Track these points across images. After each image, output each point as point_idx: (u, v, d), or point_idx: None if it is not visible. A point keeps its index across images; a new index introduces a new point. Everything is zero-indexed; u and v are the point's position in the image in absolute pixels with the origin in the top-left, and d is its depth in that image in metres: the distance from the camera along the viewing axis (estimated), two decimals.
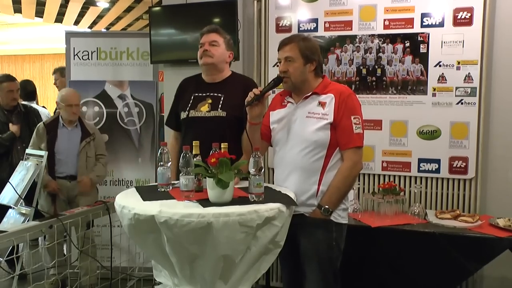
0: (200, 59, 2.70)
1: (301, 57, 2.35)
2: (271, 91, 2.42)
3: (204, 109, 2.68)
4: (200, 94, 2.73)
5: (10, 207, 3.45)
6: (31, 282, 2.61)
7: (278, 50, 2.42)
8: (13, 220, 3.40)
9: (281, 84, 2.41)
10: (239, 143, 2.58)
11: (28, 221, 3.22)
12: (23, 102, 4.83)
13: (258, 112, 2.37)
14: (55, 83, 5.39)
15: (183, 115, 2.73)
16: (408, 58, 3.34)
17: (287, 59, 2.36)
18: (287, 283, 2.62)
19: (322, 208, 2.31)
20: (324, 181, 2.33)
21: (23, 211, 3.37)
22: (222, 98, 2.67)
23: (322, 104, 2.34)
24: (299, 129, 2.37)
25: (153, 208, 1.91)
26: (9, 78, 4.37)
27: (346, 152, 2.33)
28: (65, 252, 4.15)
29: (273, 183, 2.55)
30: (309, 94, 2.38)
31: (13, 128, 4.11)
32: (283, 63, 2.38)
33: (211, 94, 2.70)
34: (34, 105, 5.02)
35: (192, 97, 2.74)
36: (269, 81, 2.44)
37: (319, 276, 2.36)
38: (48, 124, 3.84)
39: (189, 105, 2.72)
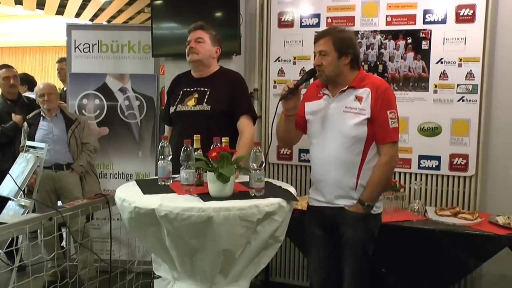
0: (187, 56, 2.77)
1: (335, 50, 2.36)
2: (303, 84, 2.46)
3: (190, 104, 2.73)
4: (188, 89, 2.79)
5: (10, 199, 3.45)
6: (30, 274, 2.61)
7: (314, 43, 2.44)
8: (12, 212, 3.41)
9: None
10: (225, 136, 2.59)
11: (27, 213, 3.22)
12: (26, 94, 4.84)
13: (293, 105, 2.45)
14: (59, 73, 5.26)
15: (172, 109, 2.81)
16: (410, 55, 3.33)
17: (321, 53, 2.38)
18: (316, 272, 2.63)
19: (365, 204, 2.37)
20: (362, 174, 2.39)
21: (23, 203, 3.37)
22: (208, 93, 2.72)
23: (358, 99, 2.37)
24: (337, 124, 2.39)
25: (154, 201, 1.91)
26: (6, 65, 4.43)
27: (383, 146, 2.38)
28: (63, 244, 4.17)
29: (310, 176, 2.60)
30: (345, 88, 2.40)
31: (16, 118, 4.11)
32: (317, 56, 2.41)
33: (198, 89, 2.76)
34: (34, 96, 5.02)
35: (181, 92, 2.81)
36: (303, 74, 2.49)
37: (356, 265, 2.44)
38: (30, 119, 3.95)
39: (178, 100, 2.79)
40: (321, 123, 2.46)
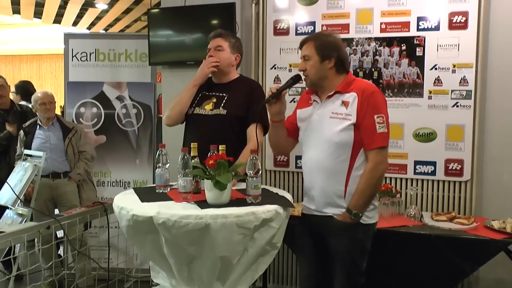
0: None
1: (317, 54, 2.33)
2: (288, 89, 2.44)
3: (208, 108, 2.75)
4: (207, 93, 2.80)
5: (8, 208, 3.46)
6: (28, 283, 2.61)
7: (299, 49, 2.43)
8: (10, 220, 3.41)
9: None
10: (240, 141, 2.65)
11: (25, 221, 3.23)
12: (21, 103, 4.84)
13: (277, 110, 2.40)
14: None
15: (189, 111, 2.80)
16: (405, 61, 3.36)
17: (305, 58, 2.37)
18: (305, 279, 2.59)
19: (352, 213, 2.30)
20: (350, 182, 2.31)
21: (21, 212, 3.38)
22: (225, 98, 2.73)
23: (345, 104, 2.31)
24: (323, 130, 2.34)
25: (152, 209, 1.92)
26: None
27: (370, 153, 2.29)
28: (60, 253, 4.16)
29: (298, 181, 2.57)
30: (331, 93, 2.36)
31: (9, 127, 4.12)
32: (301, 62, 2.40)
33: (217, 93, 2.78)
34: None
35: (200, 95, 2.81)
36: (287, 79, 2.44)
37: (345, 277, 2.38)
38: (26, 127, 3.95)
39: (196, 102, 2.80)
40: (309, 129, 2.43)
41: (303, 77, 2.41)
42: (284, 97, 2.41)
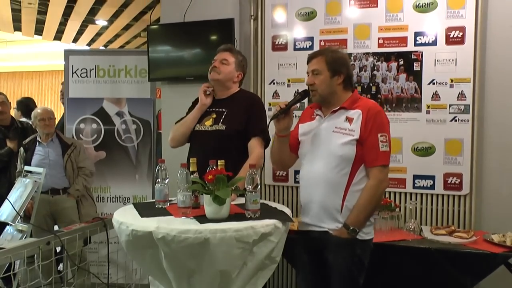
0: (209, 74, 2.80)
1: (328, 69, 2.35)
2: (297, 104, 2.46)
3: (208, 124, 2.77)
4: (207, 109, 2.82)
5: (8, 224, 3.46)
6: None
7: (307, 64, 2.45)
8: (10, 236, 3.40)
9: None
10: (241, 156, 2.65)
11: (25, 237, 3.22)
12: (21, 119, 4.86)
13: (286, 125, 2.42)
14: (61, 97, 4.97)
15: None
16: (402, 76, 3.39)
17: (314, 72, 2.38)
18: None
19: (349, 229, 2.30)
20: (348, 196, 2.33)
21: (20, 228, 3.38)
22: (225, 113, 2.75)
23: (349, 120, 2.34)
24: (325, 143, 2.37)
25: (151, 224, 1.93)
26: None
27: (372, 170, 2.33)
28: (59, 269, 4.14)
29: (297, 196, 2.56)
30: (336, 108, 2.38)
31: (10, 144, 4.13)
32: (310, 76, 2.40)
33: (216, 109, 2.79)
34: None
35: None
36: (295, 95, 2.45)
37: None
38: (26, 144, 3.98)
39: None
40: (311, 143, 2.44)
41: (310, 91, 2.42)
42: (292, 112, 2.43)
